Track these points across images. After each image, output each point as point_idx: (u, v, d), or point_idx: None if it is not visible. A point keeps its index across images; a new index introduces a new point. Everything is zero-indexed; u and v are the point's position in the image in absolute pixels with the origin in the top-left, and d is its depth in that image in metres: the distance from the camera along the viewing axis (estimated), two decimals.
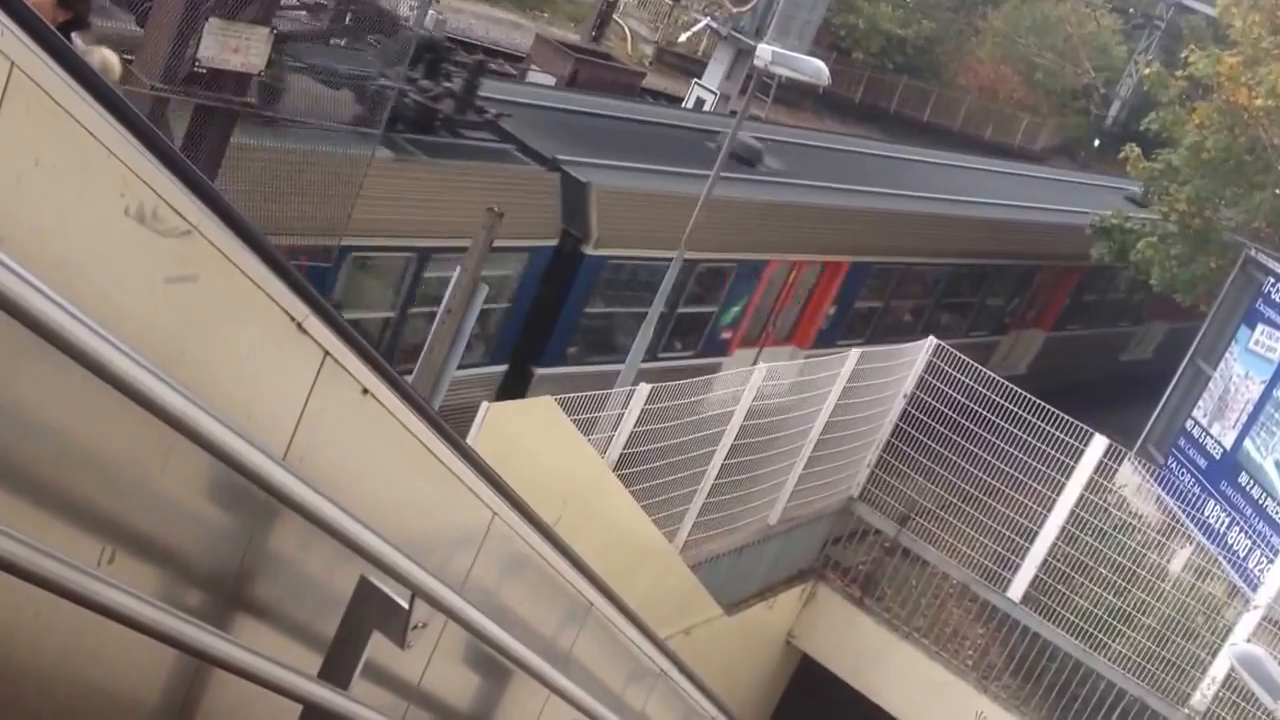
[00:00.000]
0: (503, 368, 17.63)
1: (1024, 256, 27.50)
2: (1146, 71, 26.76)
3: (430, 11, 28.41)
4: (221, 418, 2.66)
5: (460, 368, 12.90)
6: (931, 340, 17.91)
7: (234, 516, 3.38)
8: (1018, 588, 17.28)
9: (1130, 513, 17.86)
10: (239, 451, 2.74)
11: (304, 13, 23.10)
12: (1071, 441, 16.73)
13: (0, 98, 2.36)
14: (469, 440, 10.44)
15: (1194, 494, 20.20)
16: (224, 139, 11.65)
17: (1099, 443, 16.76)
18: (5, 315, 2.11)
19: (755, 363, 18.70)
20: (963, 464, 17.22)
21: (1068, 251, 27.80)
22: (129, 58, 11.25)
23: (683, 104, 30.17)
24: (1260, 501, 19.35)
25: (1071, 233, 27.27)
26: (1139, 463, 19.27)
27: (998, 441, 16.86)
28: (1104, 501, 17.19)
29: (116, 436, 2.81)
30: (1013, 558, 17.38)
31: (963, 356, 17.49)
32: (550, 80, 25.15)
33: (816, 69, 16.10)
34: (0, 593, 2.56)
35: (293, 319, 3.24)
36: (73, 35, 6.50)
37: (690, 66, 41.06)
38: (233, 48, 11.16)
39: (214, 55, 11.16)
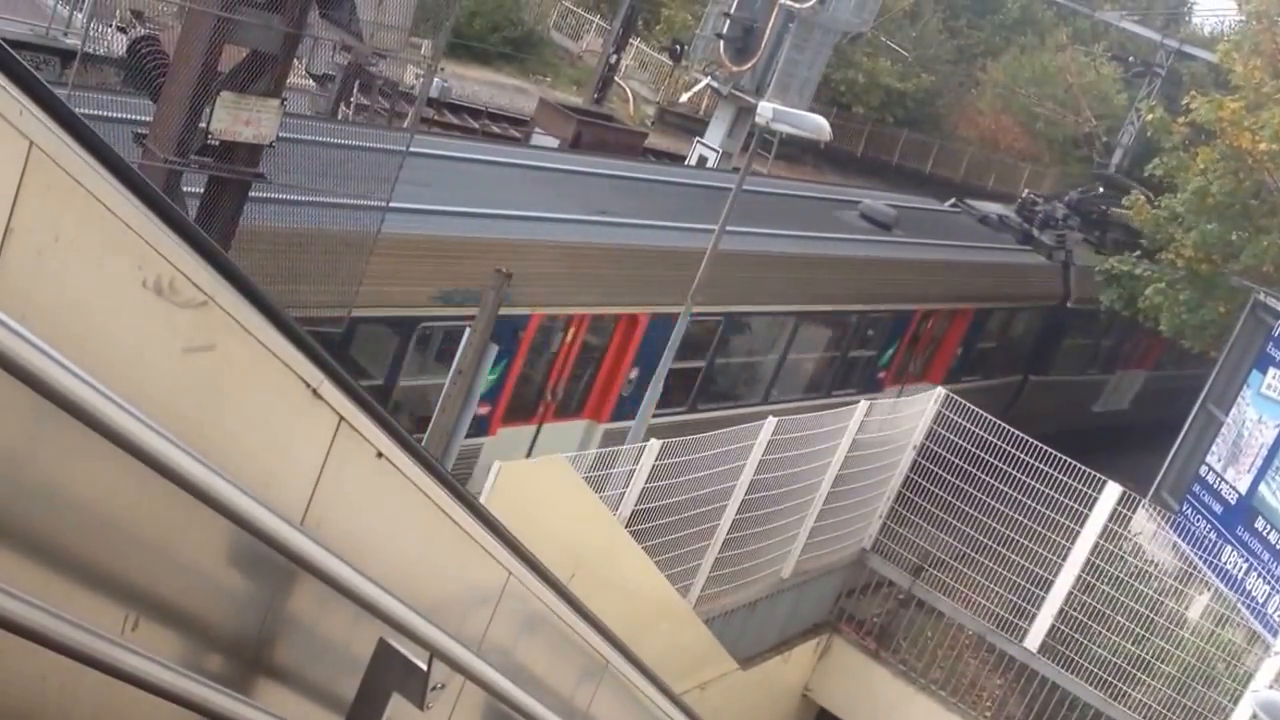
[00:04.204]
0: None
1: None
2: (1149, 117, 26.87)
3: (436, 79, 28.76)
4: (240, 485, 2.70)
5: None
6: (940, 390, 17.92)
7: (253, 581, 3.41)
8: (1035, 637, 17.19)
9: (1146, 560, 17.79)
10: (258, 518, 2.79)
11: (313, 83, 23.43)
12: (1085, 489, 16.70)
13: (20, 175, 2.42)
14: (482, 500, 10.47)
15: (1210, 540, 20.11)
16: (237, 210, 11.77)
17: (1112, 490, 16.72)
18: (28, 388, 2.16)
19: (529, 453, 16.84)
20: (975, 514, 17.18)
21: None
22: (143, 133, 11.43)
23: (685, 162, 30.35)
24: (1277, 546, 19.26)
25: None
26: (1153, 509, 19.20)
27: (1009, 490, 16.84)
28: (1119, 549, 17.12)
29: (138, 505, 2.85)
30: (1029, 607, 17.29)
31: (971, 406, 17.50)
32: (554, 142, 25.33)
33: (817, 125, 16.19)
34: (26, 662, 2.59)
35: (308, 385, 3.28)
36: None
37: (692, 126, 41.31)
38: (244, 120, 11.29)
39: (226, 127, 11.29)
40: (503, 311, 14.65)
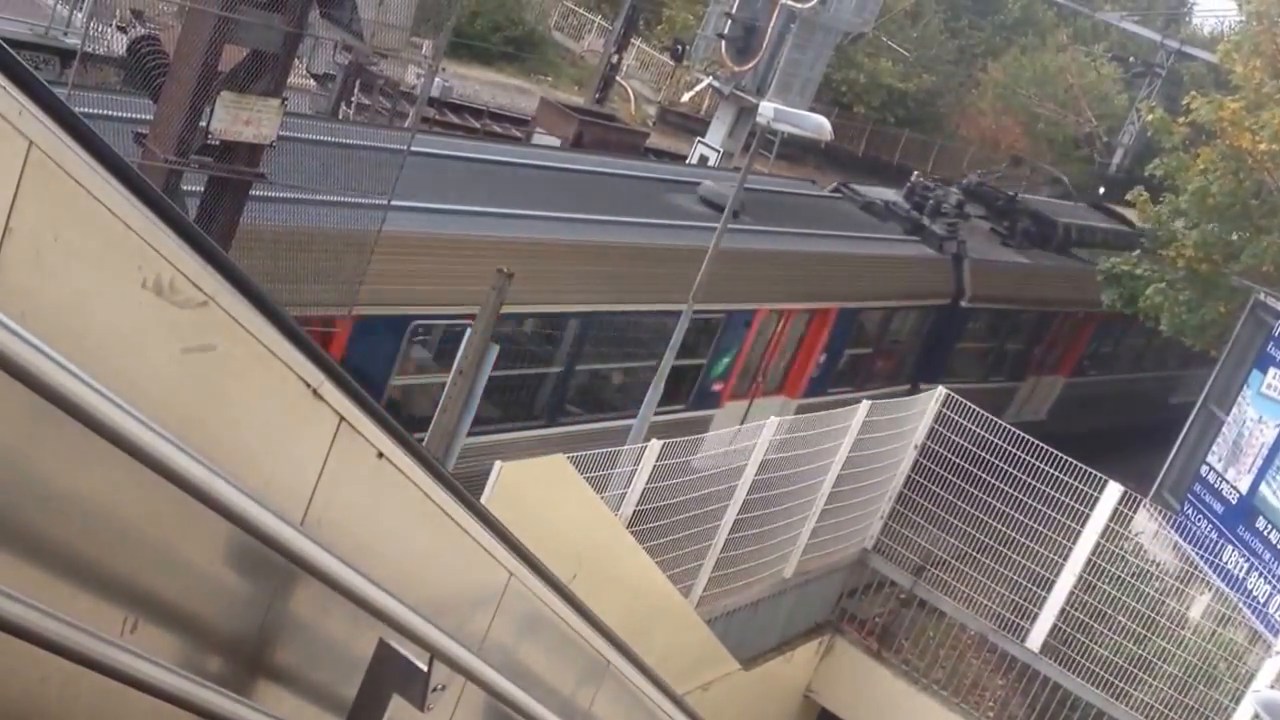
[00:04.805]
0: None
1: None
2: (1149, 117, 26.83)
3: (437, 79, 28.77)
4: (240, 485, 2.69)
5: None
6: (941, 390, 17.90)
7: (253, 582, 3.40)
8: (1036, 637, 17.18)
9: (1148, 560, 17.77)
10: (258, 518, 2.78)
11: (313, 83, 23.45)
12: (1086, 489, 16.69)
13: (19, 175, 2.42)
14: (482, 500, 10.46)
15: (1211, 540, 20.10)
16: (237, 210, 11.76)
17: (1114, 490, 16.70)
18: (27, 389, 2.15)
19: None
20: (976, 513, 17.17)
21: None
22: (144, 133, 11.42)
23: (686, 161, 30.34)
24: (1278, 546, 19.25)
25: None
26: (1155, 509, 19.18)
27: (1011, 490, 16.82)
28: (1121, 549, 17.10)
29: (137, 506, 2.84)
30: (1030, 607, 17.28)
31: (973, 406, 17.49)
32: (555, 142, 25.32)
33: (818, 124, 16.17)
34: (26, 664, 2.59)
35: (308, 385, 3.27)
36: None
37: (693, 125, 41.35)
38: (244, 120, 11.29)
39: (226, 127, 11.29)
40: None
